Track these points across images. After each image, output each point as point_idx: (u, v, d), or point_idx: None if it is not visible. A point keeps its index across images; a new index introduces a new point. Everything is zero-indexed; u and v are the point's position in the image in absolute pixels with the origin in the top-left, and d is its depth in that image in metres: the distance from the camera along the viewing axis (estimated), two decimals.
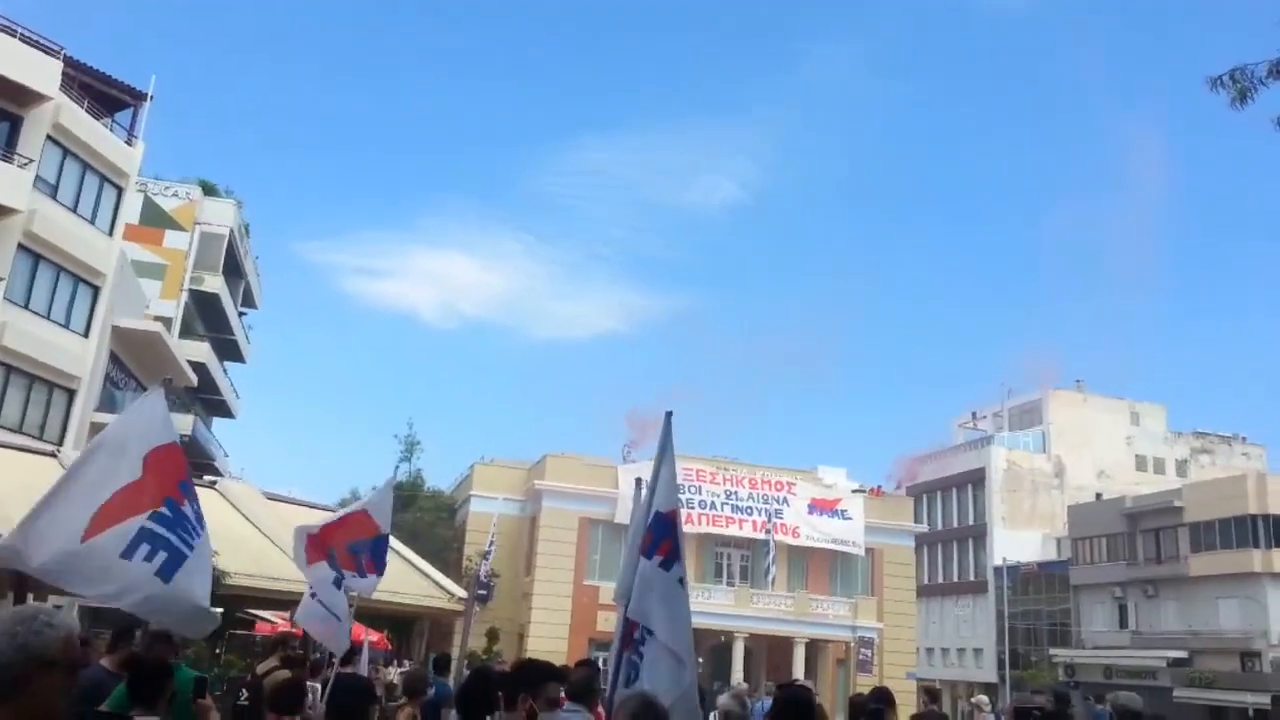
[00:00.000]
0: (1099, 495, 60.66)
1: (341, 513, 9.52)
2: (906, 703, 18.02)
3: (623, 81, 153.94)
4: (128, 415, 5.71)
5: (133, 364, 33.87)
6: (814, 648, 42.48)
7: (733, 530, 43.82)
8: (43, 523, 4.85)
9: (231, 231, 42.93)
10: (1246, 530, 46.57)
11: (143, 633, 6.74)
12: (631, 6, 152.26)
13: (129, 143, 30.85)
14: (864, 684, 32.20)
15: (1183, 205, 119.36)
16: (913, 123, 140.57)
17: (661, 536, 5.26)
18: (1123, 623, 52.85)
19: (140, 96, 31.50)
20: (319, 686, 9.35)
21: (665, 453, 5.45)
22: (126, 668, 5.81)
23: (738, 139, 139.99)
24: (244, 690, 8.96)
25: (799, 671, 38.12)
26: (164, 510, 5.26)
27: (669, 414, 5.51)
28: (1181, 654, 47.98)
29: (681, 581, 5.24)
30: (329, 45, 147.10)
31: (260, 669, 9.65)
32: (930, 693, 18.14)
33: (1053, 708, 13.07)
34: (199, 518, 5.50)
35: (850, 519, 45.56)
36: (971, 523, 65.21)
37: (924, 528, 54.09)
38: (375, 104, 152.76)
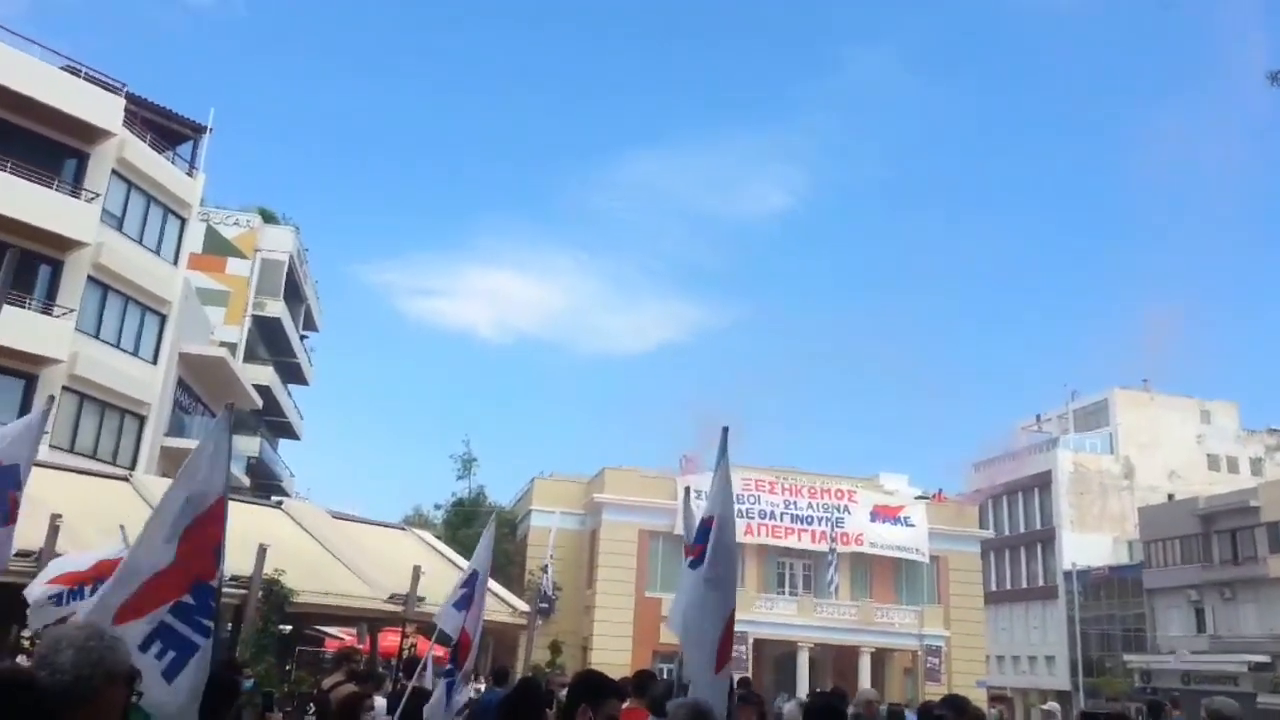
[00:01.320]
0: (1170, 496, 59.12)
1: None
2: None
3: (665, 94, 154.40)
4: (190, 463, 5.52)
5: (200, 389, 34.69)
6: (880, 657, 41.93)
7: (792, 541, 43.52)
8: (88, 609, 4.84)
9: (291, 257, 43.85)
10: None
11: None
12: (668, 19, 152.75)
13: (190, 174, 31.69)
14: (932, 693, 31.75)
15: (1242, 195, 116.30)
16: (957, 123, 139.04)
17: (699, 541, 5.51)
18: (1200, 627, 51.38)
19: (200, 129, 32.34)
20: (384, 700, 9.47)
21: (720, 465, 5.69)
22: None
23: (782, 147, 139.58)
24: (311, 705, 9.11)
25: (865, 681, 37.67)
26: (187, 598, 4.94)
27: (725, 429, 5.77)
28: (1263, 658, 46.48)
29: (708, 582, 5.44)
30: (377, 67, 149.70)
31: (326, 684, 9.81)
32: (1002, 701, 17.89)
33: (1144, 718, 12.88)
34: (220, 580, 5.22)
35: (914, 526, 44.96)
36: (1039, 527, 63.96)
37: (990, 533, 53.17)
38: (425, 124, 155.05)
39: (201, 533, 5.07)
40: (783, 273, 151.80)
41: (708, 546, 5.44)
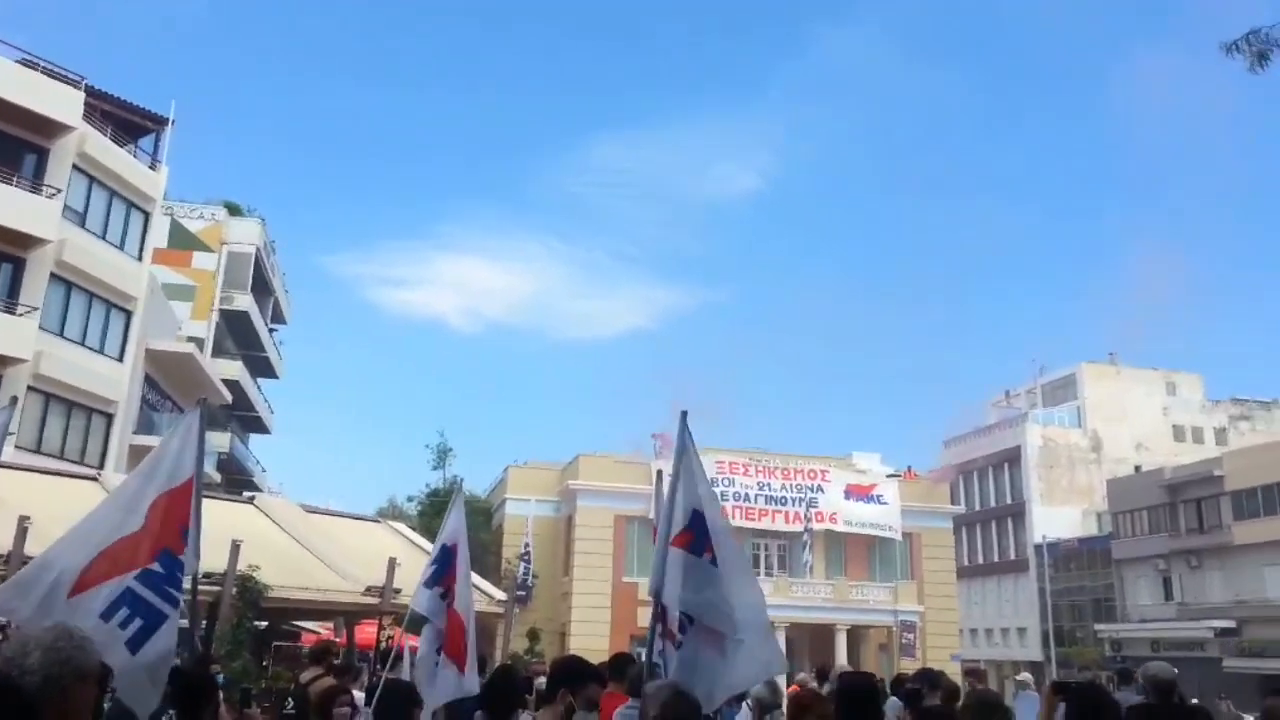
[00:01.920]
0: (1138, 468, 60.05)
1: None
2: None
3: (637, 77, 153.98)
4: (158, 449, 5.46)
5: (168, 385, 34.36)
6: (856, 634, 42.41)
7: (766, 523, 43.83)
8: (35, 571, 4.60)
9: (257, 249, 43.44)
10: None
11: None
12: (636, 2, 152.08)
13: (153, 167, 31.29)
14: (907, 668, 32.09)
15: (1210, 167, 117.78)
16: (927, 100, 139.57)
17: (702, 534, 5.32)
18: (1168, 595, 52.34)
19: (161, 121, 31.91)
20: (363, 693, 9.50)
21: (685, 451, 5.47)
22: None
23: (756, 128, 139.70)
24: (289, 700, 9.11)
25: (841, 658, 38.06)
26: (155, 566, 4.86)
27: (684, 413, 5.54)
28: (1229, 624, 47.44)
29: (715, 564, 5.31)
30: (341, 56, 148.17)
31: (304, 678, 9.82)
32: (975, 674, 18.10)
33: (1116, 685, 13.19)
34: (195, 556, 5.17)
35: (886, 504, 45.40)
36: (1009, 501, 64.77)
37: (961, 509, 53.78)
38: (391, 112, 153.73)
39: (170, 508, 5.08)
40: (755, 255, 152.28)
41: (712, 541, 5.27)
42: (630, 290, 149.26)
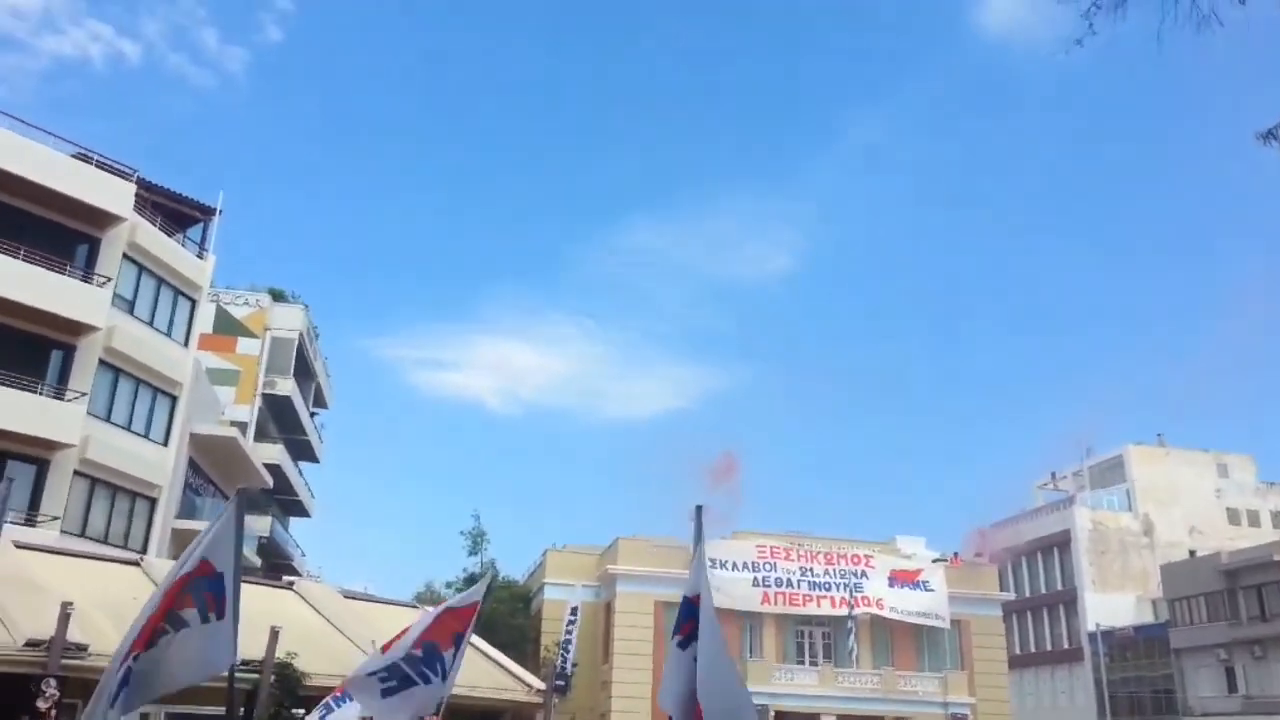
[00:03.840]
0: (1192, 552, 58.27)
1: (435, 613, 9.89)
2: None
3: (669, 159, 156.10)
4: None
5: (211, 469, 34.62)
6: None
7: (811, 609, 42.85)
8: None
9: (300, 335, 44.11)
10: None
11: None
12: (672, 84, 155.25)
13: (200, 256, 32.00)
14: None
15: (1247, 247, 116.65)
16: (958, 184, 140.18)
17: (685, 618, 5.67)
18: (1231, 687, 50.22)
19: (209, 212, 32.76)
20: None
21: (698, 543, 6.09)
22: None
23: (787, 208, 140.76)
24: None
25: None
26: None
27: (699, 508, 6.29)
28: None
29: (695, 660, 5.65)
30: (378, 143, 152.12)
31: None
32: None
33: None
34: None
35: (933, 590, 44.26)
36: (1060, 588, 62.95)
37: (1011, 595, 52.31)
38: (430, 196, 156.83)
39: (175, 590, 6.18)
40: (789, 335, 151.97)
41: (696, 624, 5.69)
42: (665, 370, 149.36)
